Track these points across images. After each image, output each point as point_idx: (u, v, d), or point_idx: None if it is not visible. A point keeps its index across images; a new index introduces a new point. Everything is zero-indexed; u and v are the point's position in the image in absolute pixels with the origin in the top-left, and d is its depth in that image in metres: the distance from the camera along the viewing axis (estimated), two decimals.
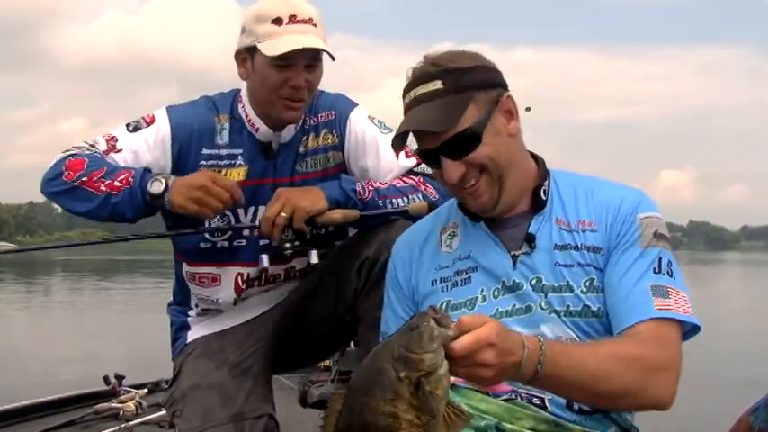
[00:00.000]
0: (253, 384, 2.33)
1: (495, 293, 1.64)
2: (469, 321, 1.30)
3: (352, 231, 2.34)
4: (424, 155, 1.66)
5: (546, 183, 1.69)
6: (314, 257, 2.24)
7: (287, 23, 2.15)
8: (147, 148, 2.22)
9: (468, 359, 1.28)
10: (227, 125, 2.27)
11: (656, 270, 1.58)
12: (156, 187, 2.11)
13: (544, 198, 1.68)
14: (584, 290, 1.60)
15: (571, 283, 1.60)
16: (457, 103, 1.58)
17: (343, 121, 2.33)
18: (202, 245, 2.30)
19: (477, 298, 1.65)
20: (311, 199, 2.16)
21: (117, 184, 2.12)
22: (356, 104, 2.39)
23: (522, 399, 1.57)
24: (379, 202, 2.21)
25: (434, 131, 1.58)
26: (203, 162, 2.24)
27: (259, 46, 2.15)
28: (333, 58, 2.19)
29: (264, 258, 2.26)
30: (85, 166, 2.14)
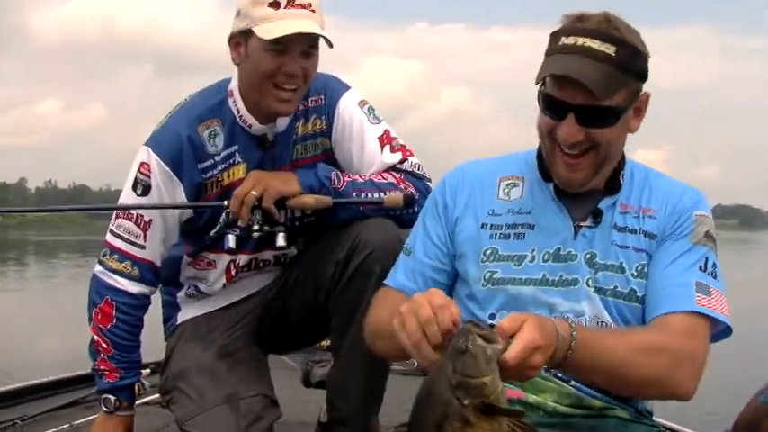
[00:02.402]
0: (243, 365, 2.35)
1: (546, 257, 1.62)
2: (510, 326, 1.29)
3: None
4: (554, 101, 1.55)
5: (624, 168, 1.67)
6: (280, 240, 2.18)
7: (285, 7, 2.08)
8: (165, 199, 2.20)
9: (521, 365, 1.28)
10: (217, 128, 2.21)
11: (702, 268, 1.59)
12: (106, 404, 2.27)
13: (621, 182, 1.66)
14: (635, 274, 1.60)
15: (624, 265, 1.60)
16: (617, 78, 1.52)
17: (333, 106, 2.28)
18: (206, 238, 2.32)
19: (525, 256, 1.63)
20: (283, 180, 2.14)
21: (102, 367, 2.26)
22: (348, 88, 2.33)
23: (546, 371, 1.56)
24: (353, 194, 2.17)
25: (586, 89, 1.49)
26: (203, 176, 2.22)
27: (254, 29, 2.09)
28: (331, 45, 2.13)
29: (230, 238, 2.21)
30: (103, 343, 2.26)
